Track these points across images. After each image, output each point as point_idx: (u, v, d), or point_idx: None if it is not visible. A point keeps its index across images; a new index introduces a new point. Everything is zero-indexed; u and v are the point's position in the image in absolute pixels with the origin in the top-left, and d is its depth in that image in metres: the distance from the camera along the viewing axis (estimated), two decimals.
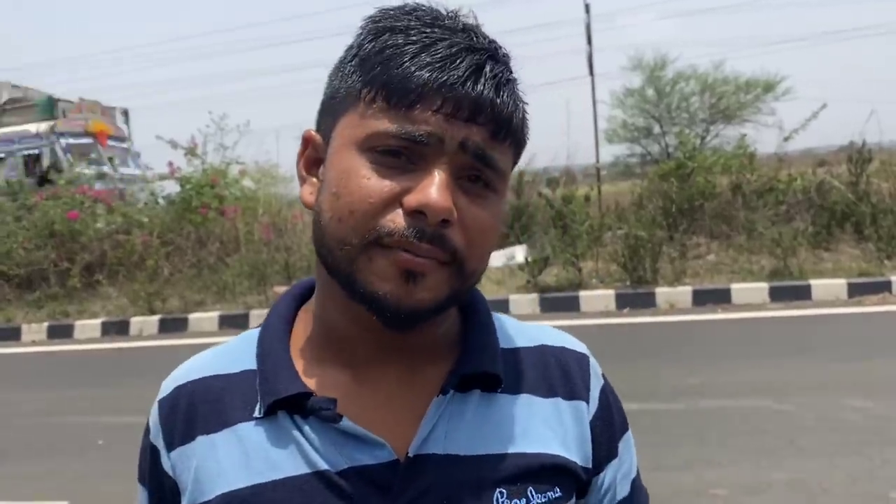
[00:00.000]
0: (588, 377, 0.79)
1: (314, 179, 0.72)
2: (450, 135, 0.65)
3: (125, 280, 9.80)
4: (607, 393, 0.81)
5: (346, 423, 0.68)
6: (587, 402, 0.78)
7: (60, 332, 8.95)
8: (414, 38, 0.66)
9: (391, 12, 0.69)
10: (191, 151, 11.25)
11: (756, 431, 4.23)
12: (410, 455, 0.69)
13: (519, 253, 9.35)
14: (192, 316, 8.72)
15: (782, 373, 5.26)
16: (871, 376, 5.02)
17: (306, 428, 0.69)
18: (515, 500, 0.70)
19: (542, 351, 0.79)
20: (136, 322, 8.79)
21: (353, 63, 0.69)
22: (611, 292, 8.12)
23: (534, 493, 0.71)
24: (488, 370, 0.73)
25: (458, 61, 0.65)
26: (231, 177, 11.60)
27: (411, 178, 0.65)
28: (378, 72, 0.66)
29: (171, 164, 11.30)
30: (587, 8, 17.72)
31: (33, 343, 8.81)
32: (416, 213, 0.64)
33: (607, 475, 0.79)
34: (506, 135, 0.67)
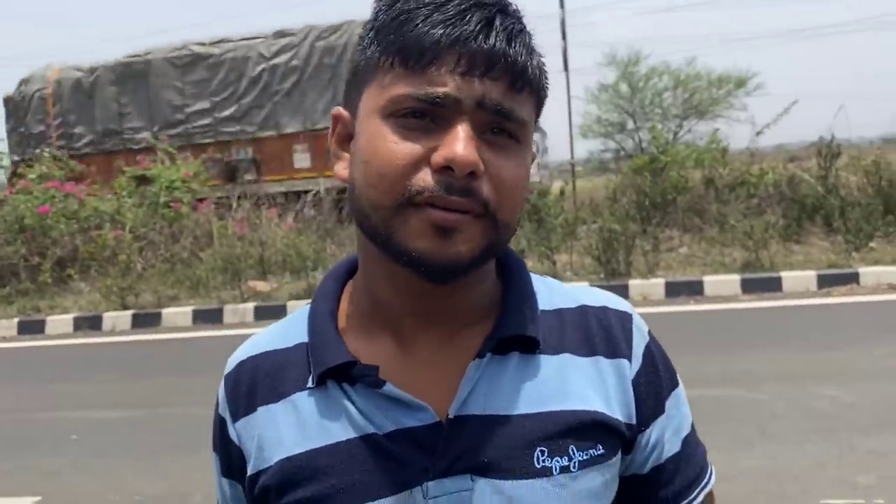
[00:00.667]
0: (631, 335, 0.80)
1: (346, 154, 0.75)
2: (467, 93, 0.66)
3: (97, 275, 9.69)
4: (652, 350, 0.81)
5: (389, 388, 0.71)
6: (629, 360, 0.78)
7: (31, 327, 8.82)
8: (426, 0, 0.68)
9: None
10: (165, 151, 11.18)
11: (728, 420, 4.29)
12: (451, 416, 0.71)
13: None
14: (166, 311, 8.64)
15: (754, 363, 5.34)
16: (840, 365, 5.11)
17: (354, 395, 0.73)
18: (557, 457, 0.71)
19: (583, 311, 0.80)
20: (109, 317, 8.70)
21: (370, 35, 0.71)
22: (584, 284, 8.17)
23: (575, 450, 0.72)
24: (525, 333, 0.74)
25: (468, 17, 0.67)
26: (203, 173, 11.53)
27: (436, 138, 0.67)
28: (392, 38, 0.68)
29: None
30: (561, 3, 17.78)
31: (3, 339, 8.68)
32: (443, 170, 0.66)
33: (654, 432, 0.79)
34: (522, 85, 0.69)
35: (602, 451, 0.74)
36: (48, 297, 9.62)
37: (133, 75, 12.95)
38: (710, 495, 0.83)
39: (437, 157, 0.66)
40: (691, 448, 0.82)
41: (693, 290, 7.85)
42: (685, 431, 0.82)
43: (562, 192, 9.75)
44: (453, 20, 0.67)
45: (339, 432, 0.72)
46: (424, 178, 0.66)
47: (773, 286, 7.70)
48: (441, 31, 0.66)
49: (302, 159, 12.21)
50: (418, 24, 0.67)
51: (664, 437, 0.79)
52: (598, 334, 0.78)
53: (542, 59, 0.73)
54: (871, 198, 9.18)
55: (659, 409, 0.79)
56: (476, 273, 0.73)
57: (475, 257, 0.69)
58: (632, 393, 0.77)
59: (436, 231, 0.66)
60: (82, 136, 13.25)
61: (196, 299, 9.03)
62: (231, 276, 9.14)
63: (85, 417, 5.33)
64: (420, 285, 0.71)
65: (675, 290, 7.89)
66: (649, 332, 0.82)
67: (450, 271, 0.68)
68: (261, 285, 9.05)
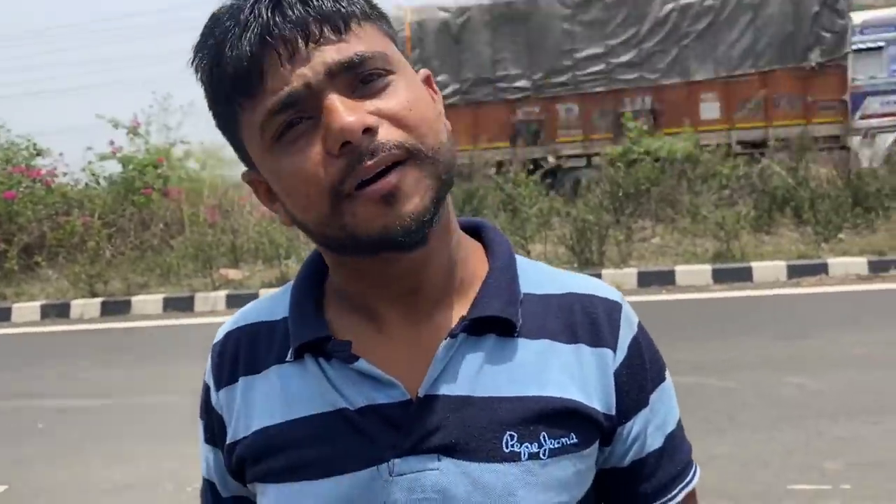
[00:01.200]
0: (618, 325, 0.77)
1: (278, 202, 0.74)
2: (308, 75, 0.65)
3: (65, 262, 9.54)
4: (640, 342, 0.79)
5: (361, 363, 0.71)
6: (614, 351, 0.76)
7: None
8: (224, 25, 0.68)
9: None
10: (132, 131, 10.98)
11: (699, 408, 4.33)
12: (421, 395, 0.71)
13: None
14: (136, 299, 8.52)
15: (725, 351, 5.40)
16: (808, 353, 5.19)
17: (329, 370, 0.73)
18: (526, 443, 0.70)
19: (570, 297, 0.78)
20: (77, 305, 8.56)
21: (209, 99, 0.72)
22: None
23: (546, 437, 0.71)
24: (500, 315, 0.73)
25: (258, 9, 0.66)
26: (175, 158, 11.37)
27: (321, 127, 0.66)
28: (224, 87, 0.68)
29: (112, 143, 11.02)
30: None
31: None
32: (342, 147, 0.64)
33: (635, 425, 0.77)
34: (346, 26, 0.67)
35: (576, 440, 0.72)
36: (14, 284, 9.44)
37: (512, 17, 11.62)
38: (692, 494, 0.82)
39: (329, 143, 0.64)
40: (675, 444, 0.81)
41: (665, 279, 7.92)
42: (670, 427, 0.80)
43: (535, 182, 9.78)
44: (250, 25, 0.66)
45: (313, 405, 0.73)
46: (336, 168, 0.65)
47: (744, 276, 7.78)
48: (247, 43, 0.65)
49: (710, 109, 11.11)
50: (229, 54, 0.66)
51: (647, 430, 0.78)
52: (582, 322, 0.76)
53: None
54: (840, 190, 9.32)
55: (642, 402, 0.77)
56: (436, 234, 0.71)
57: (431, 200, 0.67)
58: (613, 384, 0.75)
59: (382, 203, 0.65)
60: (446, 84, 11.87)
61: (167, 287, 8.92)
62: (202, 264, 9.04)
63: (52, 406, 5.25)
64: (388, 269, 0.71)
65: (647, 280, 7.95)
66: (639, 324, 0.80)
67: (417, 228, 0.67)
68: (233, 273, 8.97)
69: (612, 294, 0.80)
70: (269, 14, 0.65)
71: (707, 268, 7.95)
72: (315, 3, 0.66)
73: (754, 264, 7.90)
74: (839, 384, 4.55)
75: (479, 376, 0.72)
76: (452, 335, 0.72)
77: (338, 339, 0.73)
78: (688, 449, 0.83)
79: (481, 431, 0.70)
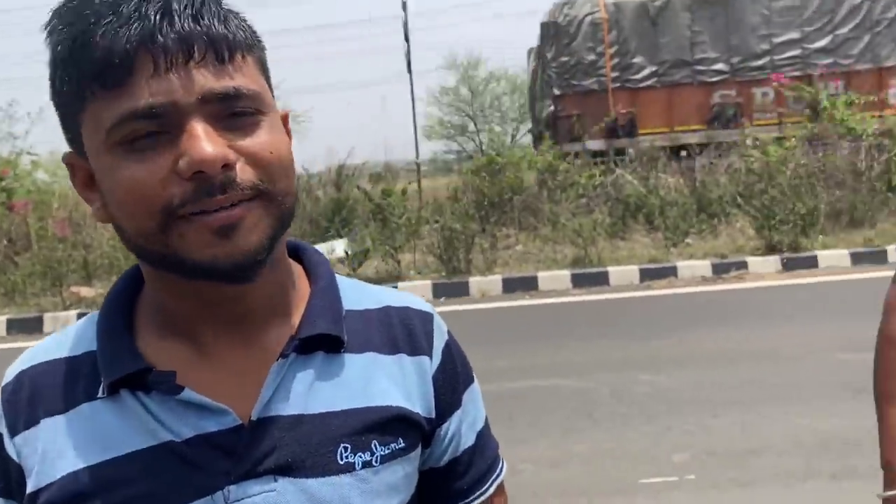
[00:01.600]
0: (431, 334, 0.82)
1: (97, 195, 0.70)
2: (181, 93, 0.63)
3: None
4: (451, 348, 0.84)
5: (187, 393, 0.69)
6: (430, 357, 0.80)
7: None
8: (97, 8, 0.64)
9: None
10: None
11: (559, 408, 4.52)
12: (254, 419, 0.70)
13: (339, 246, 9.35)
14: None
15: (583, 353, 5.66)
16: (659, 352, 5.52)
17: (150, 403, 0.69)
18: (359, 453, 0.72)
19: (387, 311, 0.81)
20: None
21: (57, 68, 0.67)
22: (428, 282, 8.32)
23: (378, 445, 0.73)
24: (328, 332, 0.74)
25: (146, 10, 0.63)
26: (21, 168, 10.64)
27: (175, 145, 0.64)
28: (81, 64, 0.64)
29: None
30: (404, 6, 17.95)
31: None
32: (195, 175, 0.63)
33: (451, 425, 0.81)
34: (231, 54, 0.66)
35: (403, 444, 0.75)
36: None
37: (712, 1, 11.60)
38: (500, 486, 0.88)
39: (183, 166, 0.63)
40: (485, 441, 0.86)
41: (528, 285, 8.19)
42: (480, 425, 0.86)
43: (404, 192, 9.86)
44: (133, 22, 0.63)
45: (133, 442, 0.69)
46: (180, 190, 0.63)
47: (601, 280, 8.18)
48: (125, 39, 0.62)
49: None
50: (100, 41, 0.63)
51: (461, 430, 0.83)
52: (401, 333, 0.80)
53: (240, 14, 0.70)
54: (686, 198, 9.99)
55: (456, 404, 0.82)
56: (269, 267, 0.71)
57: (268, 239, 0.67)
58: (432, 388, 0.80)
59: (217, 234, 0.64)
60: (642, 66, 11.63)
61: (11, 307, 8.31)
62: (51, 282, 8.49)
63: None
64: (211, 293, 0.70)
65: (511, 286, 8.19)
66: (448, 332, 0.86)
67: (248, 266, 0.67)
68: (85, 291, 8.47)
69: (424, 306, 0.85)
70: (157, 18, 0.63)
71: (567, 273, 8.29)
72: (205, 22, 0.64)
73: (610, 269, 8.32)
74: (687, 380, 4.86)
75: (310, 394, 0.73)
76: (284, 355, 0.72)
77: (158, 371, 0.70)
78: (495, 445, 0.89)
79: (316, 447, 0.71)
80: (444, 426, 0.81)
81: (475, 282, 8.26)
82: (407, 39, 17.69)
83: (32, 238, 9.28)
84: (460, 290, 8.21)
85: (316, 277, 0.79)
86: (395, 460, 0.75)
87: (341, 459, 0.71)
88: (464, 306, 7.76)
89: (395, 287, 8.06)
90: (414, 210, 9.93)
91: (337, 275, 0.82)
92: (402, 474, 0.76)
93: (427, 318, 0.83)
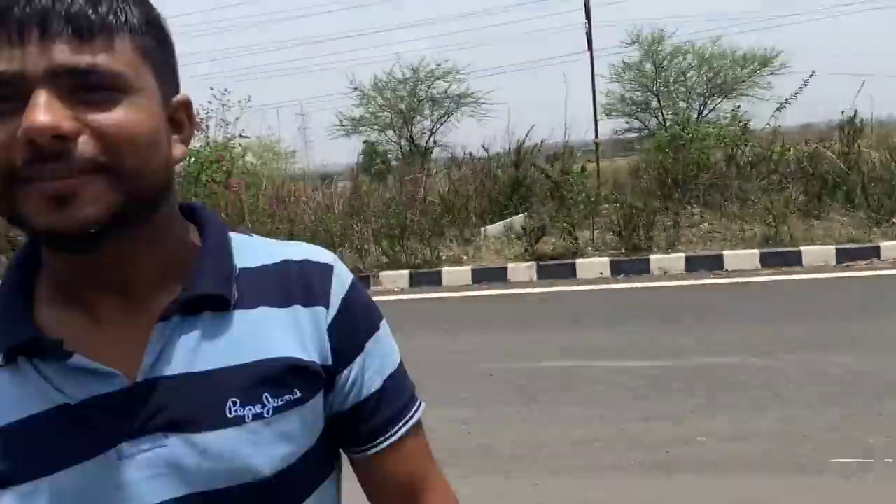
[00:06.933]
0: (329, 284, 0.82)
1: None
2: (26, 65, 0.64)
3: None
4: (353, 297, 0.84)
5: (76, 359, 0.71)
6: (326, 308, 0.81)
7: None
8: None
9: None
10: (196, 126, 11.36)
11: (743, 386, 4.46)
12: (140, 380, 0.72)
13: (517, 223, 9.55)
14: None
15: (770, 332, 5.49)
16: (854, 335, 5.25)
17: (45, 369, 0.72)
18: (249, 406, 0.74)
19: (286, 265, 0.82)
20: None
21: None
22: (605, 259, 8.33)
23: (269, 397, 0.75)
24: (213, 292, 0.75)
25: None
26: (235, 152, 11.75)
27: (22, 112, 0.65)
28: None
29: None
30: None
31: None
32: (30, 141, 0.64)
33: (352, 372, 0.82)
34: (92, 34, 0.66)
35: (299, 394, 0.77)
36: None
37: None
38: (417, 426, 0.88)
39: (19, 133, 0.64)
40: (395, 384, 0.86)
41: (713, 264, 7.98)
42: (389, 370, 0.86)
43: (582, 170, 9.87)
44: None
45: (29, 407, 0.71)
46: (19, 155, 0.65)
47: (793, 260, 7.80)
48: None
49: None
50: None
51: (363, 375, 0.84)
52: (297, 285, 0.81)
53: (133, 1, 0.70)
54: (894, 173, 9.21)
55: (356, 351, 0.83)
56: (145, 233, 0.73)
57: (108, 216, 0.67)
58: (327, 337, 0.81)
59: (52, 202, 0.65)
60: None
61: None
62: None
63: None
64: (88, 262, 0.72)
65: (694, 265, 8.02)
66: (352, 283, 0.86)
67: (84, 239, 0.67)
68: None
69: (325, 257, 0.85)
70: None
71: (755, 252, 7.99)
72: (68, 1, 0.65)
73: (804, 248, 7.91)
74: (885, 364, 4.62)
75: (197, 352, 0.75)
76: (164, 318, 0.74)
77: (48, 337, 0.72)
78: (410, 387, 0.89)
79: (205, 403, 0.73)
80: (344, 373, 0.82)
81: (656, 259, 8.17)
82: (588, 17, 17.46)
83: (245, 213, 10.26)
84: (640, 268, 8.15)
85: (206, 237, 0.81)
86: (290, 410, 0.77)
87: (230, 413, 0.73)
88: (643, 283, 7.71)
89: (574, 264, 8.19)
90: (592, 188, 9.92)
91: (235, 233, 0.84)
92: (298, 424, 0.77)
93: (326, 269, 0.84)
